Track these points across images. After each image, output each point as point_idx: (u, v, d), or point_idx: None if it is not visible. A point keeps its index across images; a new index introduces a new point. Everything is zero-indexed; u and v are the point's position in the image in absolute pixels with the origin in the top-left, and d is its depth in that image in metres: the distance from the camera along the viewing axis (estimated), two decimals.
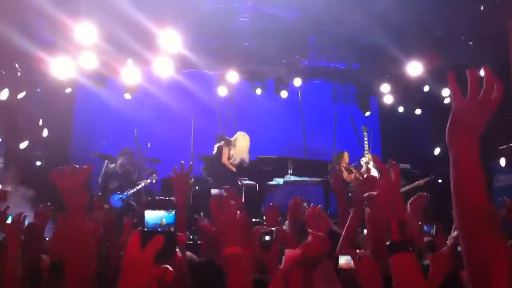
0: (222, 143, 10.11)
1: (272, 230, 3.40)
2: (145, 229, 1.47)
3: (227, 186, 3.71)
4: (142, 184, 10.05)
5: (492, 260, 1.64)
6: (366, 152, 10.33)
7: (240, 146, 10.10)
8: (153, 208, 1.51)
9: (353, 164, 10.38)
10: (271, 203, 4.81)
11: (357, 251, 2.65)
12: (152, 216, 1.50)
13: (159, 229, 1.48)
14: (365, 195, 2.31)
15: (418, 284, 1.98)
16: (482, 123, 1.80)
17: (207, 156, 10.45)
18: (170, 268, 1.44)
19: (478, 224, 1.67)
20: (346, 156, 10.33)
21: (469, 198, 1.71)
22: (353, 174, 10.01)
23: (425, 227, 4.16)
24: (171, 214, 1.52)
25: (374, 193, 2.17)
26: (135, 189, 9.99)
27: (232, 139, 10.18)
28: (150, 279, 1.41)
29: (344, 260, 2.71)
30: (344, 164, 10.18)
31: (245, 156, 10.06)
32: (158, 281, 1.42)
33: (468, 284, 1.68)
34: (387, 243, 2.06)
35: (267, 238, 3.23)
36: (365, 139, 10.41)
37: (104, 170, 10.32)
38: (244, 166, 9.97)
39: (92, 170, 2.62)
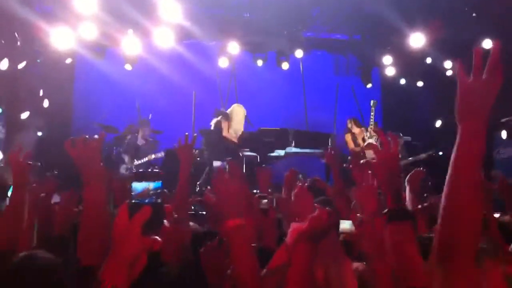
0: (220, 117, 10.09)
1: (268, 195, 3.41)
2: (133, 201, 1.49)
3: (229, 158, 3.71)
4: (153, 157, 10.13)
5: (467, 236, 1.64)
6: (371, 126, 10.31)
7: (239, 118, 10.10)
8: (140, 180, 1.53)
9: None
10: (263, 165, 4.81)
11: (358, 215, 2.64)
12: (139, 187, 1.52)
13: (147, 201, 1.49)
14: (362, 161, 2.34)
15: (413, 252, 2.01)
16: (488, 104, 1.80)
17: (206, 129, 10.44)
18: (158, 238, 1.46)
19: (467, 199, 1.67)
20: (349, 123, 10.41)
21: (467, 178, 1.72)
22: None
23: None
24: (157, 184, 1.54)
25: (373, 160, 2.19)
26: (142, 161, 10.11)
27: (229, 111, 10.16)
28: (139, 249, 1.45)
29: (345, 225, 2.72)
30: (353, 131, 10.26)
31: (240, 128, 10.09)
32: (147, 251, 1.45)
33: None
34: (384, 211, 2.08)
35: (265, 202, 3.22)
36: (372, 114, 10.39)
37: (126, 142, 10.54)
38: (243, 137, 9.98)
39: (105, 139, 2.64)
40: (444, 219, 1.66)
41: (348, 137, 10.48)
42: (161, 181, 1.52)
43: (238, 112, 10.19)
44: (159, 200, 1.51)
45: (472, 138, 1.77)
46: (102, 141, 2.63)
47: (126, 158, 10.34)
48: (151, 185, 1.52)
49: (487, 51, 1.80)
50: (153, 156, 10.21)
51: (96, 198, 2.41)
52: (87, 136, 2.62)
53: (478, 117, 1.78)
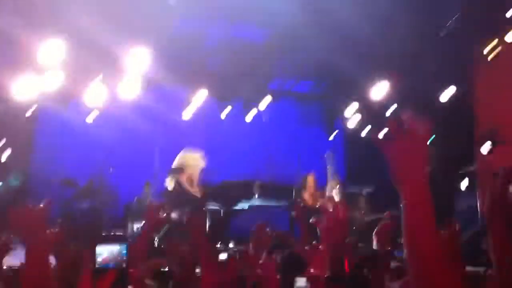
0: (176, 175, 9.64)
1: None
2: (97, 266, 1.43)
3: (189, 211, 3.67)
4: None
5: None
6: (331, 179, 10.34)
7: (193, 163, 9.71)
8: (106, 242, 1.46)
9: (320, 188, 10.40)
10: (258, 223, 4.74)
11: (311, 270, 2.64)
12: (105, 251, 1.46)
13: (111, 265, 1.43)
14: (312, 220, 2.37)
15: None
16: (418, 161, 1.78)
17: (166, 191, 10.20)
18: None
19: (429, 264, 1.65)
20: (310, 180, 10.31)
21: (421, 243, 1.71)
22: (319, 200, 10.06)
23: (396, 252, 4.14)
24: (124, 250, 1.47)
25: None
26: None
27: (179, 162, 9.68)
28: None
29: (301, 282, 2.70)
30: (310, 189, 10.18)
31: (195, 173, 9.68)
32: None
33: None
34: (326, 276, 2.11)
35: (223, 256, 3.20)
36: (328, 167, 10.41)
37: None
38: (206, 187, 9.78)
39: (51, 206, 2.51)
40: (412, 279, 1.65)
41: (306, 195, 10.37)
42: (126, 244, 1.47)
43: (186, 157, 9.74)
44: (124, 265, 1.45)
45: (414, 198, 1.73)
46: (48, 210, 2.51)
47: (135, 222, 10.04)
48: (117, 248, 1.46)
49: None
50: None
51: (39, 270, 2.33)
52: (29, 206, 2.50)
53: (413, 176, 1.74)
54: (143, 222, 3.49)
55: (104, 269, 1.42)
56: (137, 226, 9.91)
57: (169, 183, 9.74)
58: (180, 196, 9.52)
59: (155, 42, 9.73)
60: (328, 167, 10.40)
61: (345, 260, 2.12)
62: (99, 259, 1.44)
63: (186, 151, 9.77)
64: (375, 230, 4.15)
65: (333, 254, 2.12)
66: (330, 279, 2.08)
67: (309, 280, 2.53)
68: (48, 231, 3.56)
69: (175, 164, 9.47)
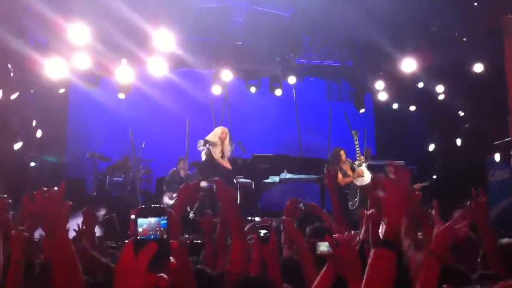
0: (207, 145, 10.02)
1: (268, 225, 3.42)
2: (138, 238, 1.46)
3: (217, 178, 3.70)
4: None
5: None
6: (358, 155, 10.30)
7: (216, 140, 10.06)
8: (145, 216, 1.49)
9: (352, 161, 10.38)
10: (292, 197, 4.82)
11: (334, 235, 2.64)
12: (144, 223, 1.48)
13: (152, 237, 1.46)
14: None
15: (388, 283, 2.02)
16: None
17: (198, 162, 10.43)
18: (164, 276, 1.43)
19: None
20: (343, 154, 10.31)
21: None
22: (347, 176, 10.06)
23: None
24: (163, 221, 1.50)
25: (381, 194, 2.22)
26: None
27: (212, 136, 10.08)
28: (144, 286, 1.41)
29: (323, 247, 2.70)
30: (342, 163, 10.17)
31: (227, 148, 10.08)
32: None
33: None
34: (379, 237, 2.11)
35: (264, 232, 3.23)
36: (356, 143, 10.38)
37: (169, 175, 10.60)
38: (237, 161, 9.95)
39: (65, 189, 2.55)
40: None
41: (340, 173, 10.36)
42: (166, 217, 1.49)
43: (217, 134, 10.13)
44: (165, 236, 1.48)
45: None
46: (62, 193, 2.54)
47: (168, 193, 10.36)
48: (157, 220, 1.48)
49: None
50: None
51: (62, 252, 2.36)
52: (45, 189, 2.50)
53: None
54: (177, 197, 3.55)
55: (145, 241, 1.45)
56: (169, 198, 10.16)
57: (202, 155, 10.03)
58: (211, 167, 9.76)
59: (180, 20, 9.75)
60: (356, 144, 10.37)
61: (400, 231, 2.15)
62: (139, 231, 1.47)
63: (220, 127, 10.09)
64: None
65: (393, 220, 2.14)
66: (386, 243, 2.10)
67: (332, 244, 2.56)
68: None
69: (209, 137, 9.82)
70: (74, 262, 2.41)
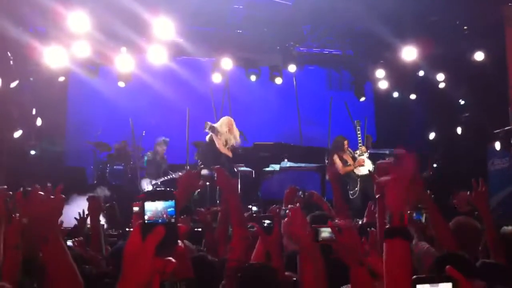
0: (209, 129, 10.03)
1: (272, 215, 3.42)
2: (145, 221, 1.45)
3: (217, 166, 3.73)
4: (173, 176, 10.19)
5: None
6: (360, 145, 10.31)
7: (227, 128, 10.05)
8: (153, 199, 1.48)
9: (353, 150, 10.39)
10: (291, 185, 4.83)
11: (337, 221, 2.64)
12: (152, 207, 1.47)
13: (160, 221, 1.45)
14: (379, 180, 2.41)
15: (407, 271, 2.02)
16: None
17: (201, 142, 10.44)
18: (172, 260, 1.42)
19: None
20: (346, 144, 10.31)
21: None
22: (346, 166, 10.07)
23: (414, 214, 4.18)
24: (170, 208, 1.48)
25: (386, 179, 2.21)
26: (166, 178, 10.19)
27: (217, 125, 10.06)
28: (152, 271, 1.40)
29: (326, 233, 2.71)
30: (343, 152, 10.18)
31: (232, 138, 10.05)
32: (160, 273, 1.41)
33: None
34: (386, 227, 2.10)
35: (267, 222, 3.24)
36: (358, 133, 10.38)
37: (146, 158, 10.79)
38: (237, 150, 9.95)
39: (62, 190, 2.52)
40: None
41: (337, 158, 10.36)
42: (174, 201, 1.47)
43: (225, 123, 10.11)
44: (172, 220, 1.46)
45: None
46: (59, 198, 2.51)
47: (146, 178, 10.48)
48: (165, 203, 1.47)
49: None
50: (179, 173, 10.27)
51: (57, 258, 2.38)
52: (37, 186, 2.47)
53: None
54: (178, 185, 3.55)
55: (152, 224, 1.44)
56: (148, 184, 10.22)
57: (206, 138, 10.09)
58: (211, 152, 9.78)
59: (180, 8, 9.71)
60: (358, 133, 10.37)
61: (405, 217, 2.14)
62: (146, 215, 1.45)
63: (227, 117, 10.10)
64: None
65: (398, 207, 2.13)
66: (396, 232, 2.10)
67: (334, 230, 2.57)
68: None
69: (216, 125, 9.85)
70: (69, 267, 2.43)
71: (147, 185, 10.30)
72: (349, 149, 10.28)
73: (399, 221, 2.10)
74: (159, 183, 10.29)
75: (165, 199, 1.46)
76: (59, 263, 2.37)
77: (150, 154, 10.84)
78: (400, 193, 2.15)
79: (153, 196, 1.47)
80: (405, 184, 2.17)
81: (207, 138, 10.18)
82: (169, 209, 1.46)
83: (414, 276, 1.60)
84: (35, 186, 2.47)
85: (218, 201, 9.08)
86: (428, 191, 4.01)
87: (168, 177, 10.36)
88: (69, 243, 4.16)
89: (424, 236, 3.98)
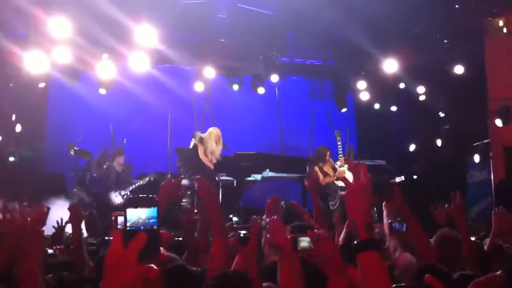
0: (196, 139, 10.00)
1: (249, 226, 3.43)
2: (127, 228, 1.43)
3: (198, 176, 3.74)
4: (141, 182, 10.08)
5: None
6: (340, 156, 10.33)
7: (214, 140, 10.04)
8: (135, 206, 1.46)
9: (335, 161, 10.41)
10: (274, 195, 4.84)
11: (315, 231, 2.64)
12: (134, 214, 1.46)
13: (142, 227, 1.43)
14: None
15: (384, 282, 2.01)
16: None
17: (182, 148, 10.38)
18: (154, 266, 1.41)
19: None
20: (328, 154, 10.32)
21: None
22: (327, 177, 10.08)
23: (396, 224, 4.19)
24: (152, 216, 1.47)
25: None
26: (134, 186, 10.06)
27: (205, 135, 10.05)
28: (134, 278, 1.39)
29: (304, 242, 2.72)
30: (324, 162, 10.18)
31: (216, 150, 10.03)
32: (142, 279, 1.40)
33: None
34: (355, 242, 2.09)
35: (243, 233, 3.23)
36: (339, 144, 10.40)
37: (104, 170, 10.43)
38: (219, 160, 9.92)
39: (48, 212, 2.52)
40: None
41: (317, 170, 10.37)
42: (156, 207, 1.46)
43: (212, 134, 10.10)
44: (155, 227, 1.45)
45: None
46: (44, 220, 2.51)
47: (114, 190, 10.25)
48: (147, 210, 1.46)
49: None
50: (140, 182, 10.19)
51: (31, 272, 2.39)
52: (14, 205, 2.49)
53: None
54: (158, 194, 3.54)
55: (134, 231, 1.42)
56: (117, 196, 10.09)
57: (191, 145, 10.04)
58: (194, 160, 9.74)
59: (163, 16, 9.68)
60: (338, 144, 10.39)
61: (373, 227, 2.13)
62: (129, 222, 1.44)
63: (216, 129, 10.07)
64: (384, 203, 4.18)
65: (362, 219, 2.12)
66: (365, 245, 2.08)
67: (313, 239, 2.57)
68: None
69: (204, 135, 9.81)
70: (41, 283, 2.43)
71: (116, 197, 10.13)
72: (330, 160, 10.30)
73: (365, 233, 2.09)
74: (128, 193, 10.17)
75: (148, 206, 1.45)
76: (33, 277, 2.36)
77: (106, 168, 10.52)
78: (360, 205, 2.15)
79: (135, 203, 1.45)
80: (364, 195, 2.17)
81: (191, 144, 10.13)
82: (151, 216, 1.45)
83: (394, 285, 1.60)
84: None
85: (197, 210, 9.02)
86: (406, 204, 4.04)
87: (135, 185, 10.24)
88: (50, 251, 4.10)
89: (406, 246, 3.99)
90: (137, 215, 1.44)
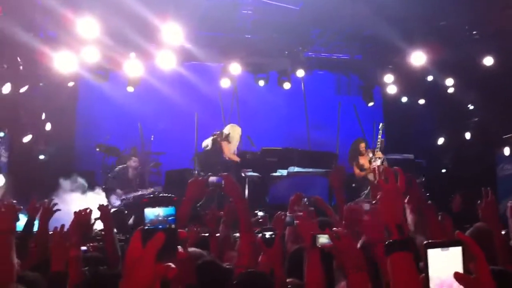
0: (218, 138, 9.98)
1: (273, 228, 3.46)
2: (146, 227, 1.47)
3: (225, 173, 3.78)
4: (141, 193, 9.98)
5: None
6: (377, 150, 10.20)
7: (237, 138, 10.07)
8: (153, 205, 1.50)
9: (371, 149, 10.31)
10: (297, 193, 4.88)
11: (334, 229, 2.71)
12: (152, 213, 1.49)
13: (160, 227, 1.47)
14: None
15: (415, 284, 2.01)
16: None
17: (201, 153, 10.39)
18: (172, 265, 1.43)
19: None
20: (363, 146, 10.23)
21: None
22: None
23: None
24: (171, 213, 1.51)
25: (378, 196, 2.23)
26: (134, 195, 10.00)
27: (226, 132, 10.04)
28: (153, 277, 1.41)
29: (324, 239, 2.75)
30: (361, 155, 10.10)
31: (235, 148, 10.04)
32: (161, 278, 1.43)
33: None
34: (386, 242, 2.10)
35: (269, 234, 3.25)
36: (379, 137, 10.27)
37: (116, 171, 10.43)
38: (245, 154, 9.94)
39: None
40: None
41: (354, 166, 10.25)
42: (174, 207, 1.50)
43: (237, 131, 10.13)
44: (172, 226, 1.48)
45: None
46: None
47: (118, 190, 10.19)
48: (165, 210, 1.49)
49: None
50: (140, 192, 10.09)
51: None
52: None
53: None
54: (186, 192, 3.60)
55: (152, 230, 1.45)
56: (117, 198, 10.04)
57: (207, 144, 10.03)
58: (215, 159, 9.78)
59: (189, 14, 9.75)
60: (378, 137, 10.27)
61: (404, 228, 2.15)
62: (147, 221, 1.47)
63: (233, 125, 10.09)
64: (406, 199, 4.15)
65: (393, 220, 2.14)
66: (397, 246, 2.10)
67: (332, 237, 2.63)
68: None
69: (222, 131, 9.83)
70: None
71: (115, 200, 9.99)
72: (368, 150, 10.19)
73: (397, 233, 2.09)
74: (127, 197, 10.03)
75: (166, 205, 1.48)
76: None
77: (120, 169, 10.48)
78: (394, 206, 2.16)
79: (154, 202, 1.49)
80: (396, 197, 2.19)
81: (208, 144, 10.11)
82: (169, 215, 1.48)
83: (425, 242, 1.63)
84: None
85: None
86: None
87: (139, 193, 10.04)
88: (84, 248, 4.21)
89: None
90: (155, 214, 1.47)
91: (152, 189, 10.21)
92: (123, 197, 10.03)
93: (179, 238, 1.48)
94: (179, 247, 1.48)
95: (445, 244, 1.62)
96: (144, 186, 10.46)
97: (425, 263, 1.59)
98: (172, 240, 1.45)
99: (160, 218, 1.46)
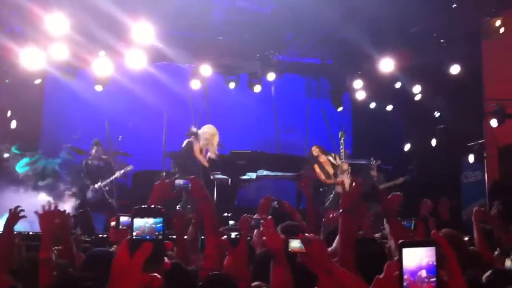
0: (191, 137, 9.95)
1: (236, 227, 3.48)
2: (134, 237, 1.48)
3: (192, 176, 3.77)
4: (117, 175, 10.05)
5: None
6: (342, 160, 10.28)
7: (211, 138, 10.00)
8: (142, 215, 1.51)
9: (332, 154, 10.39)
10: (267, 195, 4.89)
11: (306, 234, 2.76)
12: (141, 223, 1.51)
13: (147, 237, 1.48)
14: None
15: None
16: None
17: (175, 152, 10.37)
18: (158, 276, 1.45)
19: None
20: (314, 149, 10.32)
21: None
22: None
23: (405, 222, 4.23)
24: (159, 224, 1.52)
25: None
26: (109, 180, 10.00)
27: (200, 132, 10.01)
28: (139, 286, 1.43)
29: (295, 244, 2.80)
30: (321, 159, 10.19)
31: (214, 149, 9.99)
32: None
33: None
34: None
35: (234, 234, 3.27)
36: (342, 145, 10.37)
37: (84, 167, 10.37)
38: (214, 159, 9.90)
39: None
40: None
41: (317, 168, 10.37)
42: (162, 218, 1.52)
43: (208, 132, 10.06)
44: (160, 236, 1.50)
45: None
46: None
47: (89, 182, 10.18)
48: (153, 221, 1.51)
49: None
50: (117, 174, 10.15)
51: None
52: None
53: None
54: (152, 194, 3.57)
55: (140, 241, 1.46)
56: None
57: (184, 143, 10.00)
58: (188, 159, 9.72)
59: (160, 14, 9.68)
60: (341, 144, 10.37)
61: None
62: (135, 231, 1.49)
63: (212, 127, 10.03)
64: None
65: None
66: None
67: (304, 241, 2.68)
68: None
69: (200, 131, 9.78)
70: None
71: (93, 192, 10.08)
72: (328, 155, 10.28)
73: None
74: (102, 185, 10.11)
75: (154, 216, 1.49)
76: None
77: (85, 163, 10.46)
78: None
79: (142, 212, 1.49)
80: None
81: (184, 144, 10.09)
82: (157, 226, 1.49)
83: (400, 241, 1.68)
84: None
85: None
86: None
87: (111, 178, 10.18)
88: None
89: None
90: (143, 224, 1.48)
91: (123, 170, 10.18)
92: (100, 185, 10.02)
93: (165, 249, 1.49)
94: (165, 258, 1.50)
95: (419, 243, 1.66)
96: (112, 172, 10.36)
97: (400, 260, 1.63)
98: (159, 250, 1.47)
99: (147, 230, 1.48)
